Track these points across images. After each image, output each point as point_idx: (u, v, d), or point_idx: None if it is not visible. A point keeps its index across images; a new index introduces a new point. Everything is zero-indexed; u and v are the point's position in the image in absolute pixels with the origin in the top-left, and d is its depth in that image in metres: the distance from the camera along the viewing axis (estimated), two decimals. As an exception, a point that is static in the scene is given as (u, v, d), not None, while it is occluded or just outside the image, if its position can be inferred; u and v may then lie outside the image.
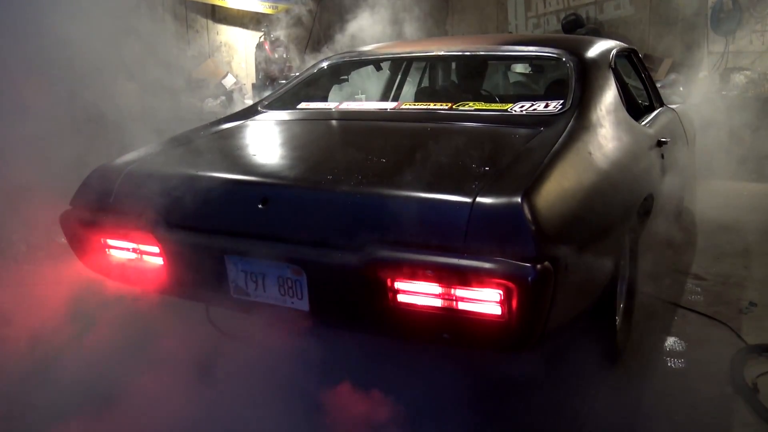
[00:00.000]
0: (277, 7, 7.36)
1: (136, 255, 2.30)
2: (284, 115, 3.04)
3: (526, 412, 2.31)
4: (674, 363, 2.63)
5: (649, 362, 2.64)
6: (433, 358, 2.56)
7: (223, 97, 6.31)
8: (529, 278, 1.68)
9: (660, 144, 3.10)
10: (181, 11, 6.54)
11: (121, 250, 2.34)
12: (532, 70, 4.40)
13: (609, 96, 2.76)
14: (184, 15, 6.60)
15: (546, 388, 2.44)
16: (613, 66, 3.01)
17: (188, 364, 2.59)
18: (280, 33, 6.92)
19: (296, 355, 2.46)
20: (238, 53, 7.43)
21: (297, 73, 4.61)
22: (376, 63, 3.68)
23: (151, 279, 2.30)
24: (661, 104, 3.88)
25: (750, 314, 3.08)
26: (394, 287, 1.86)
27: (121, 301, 3.06)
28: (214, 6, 6.92)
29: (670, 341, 2.82)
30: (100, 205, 2.36)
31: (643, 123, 3.16)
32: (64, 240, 2.49)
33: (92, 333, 2.89)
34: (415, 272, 1.81)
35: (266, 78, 6.64)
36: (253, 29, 7.33)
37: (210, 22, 6.99)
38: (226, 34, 7.25)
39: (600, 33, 7.51)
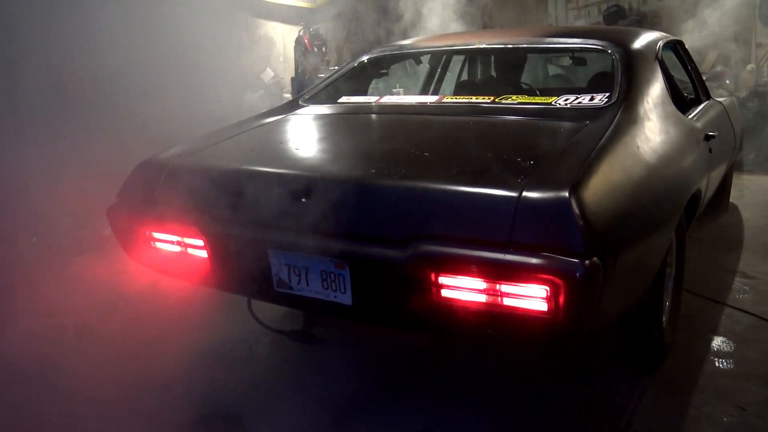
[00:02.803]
0: (316, 1, 7.38)
1: (181, 248, 2.33)
2: (325, 109, 3.05)
3: (571, 409, 2.29)
4: (722, 363, 2.57)
5: (696, 362, 2.58)
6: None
7: (262, 91, 6.36)
8: (577, 274, 1.65)
9: (708, 138, 3.02)
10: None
11: (166, 242, 2.36)
12: (572, 63, 4.32)
13: (656, 89, 2.69)
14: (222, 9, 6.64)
15: (591, 386, 2.42)
16: (660, 58, 2.94)
17: (230, 356, 2.63)
18: (319, 27, 6.93)
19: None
20: (277, 47, 7.47)
21: (336, 68, 4.61)
22: (416, 57, 3.66)
23: (195, 272, 2.32)
24: (708, 97, 3.78)
25: (801, 314, 3.00)
26: (438, 282, 1.84)
27: (163, 293, 3.11)
28: (252, -1, 6.97)
29: (718, 341, 2.76)
30: (145, 199, 2.39)
31: (690, 116, 3.08)
32: (109, 232, 2.53)
33: (137, 324, 2.95)
34: (460, 267, 1.79)
35: (305, 72, 6.67)
36: (292, 23, 7.36)
37: (249, 16, 7.03)
38: (265, 27, 7.29)
39: (643, 24, 7.35)
